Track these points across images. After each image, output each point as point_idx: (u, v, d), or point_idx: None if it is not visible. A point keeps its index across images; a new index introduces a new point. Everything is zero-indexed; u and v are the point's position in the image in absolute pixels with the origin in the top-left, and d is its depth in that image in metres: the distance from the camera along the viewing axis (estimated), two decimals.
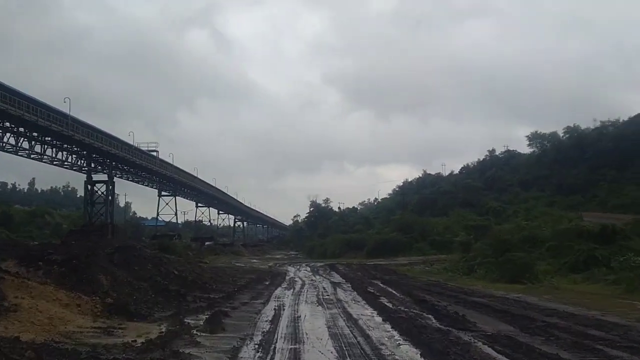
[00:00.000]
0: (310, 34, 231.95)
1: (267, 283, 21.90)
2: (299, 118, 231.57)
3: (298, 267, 38.24)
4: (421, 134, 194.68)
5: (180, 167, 73.79)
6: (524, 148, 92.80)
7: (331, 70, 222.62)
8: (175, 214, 77.35)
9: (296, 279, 25.33)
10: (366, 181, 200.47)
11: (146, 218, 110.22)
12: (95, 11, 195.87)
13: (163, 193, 75.91)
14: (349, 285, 21.37)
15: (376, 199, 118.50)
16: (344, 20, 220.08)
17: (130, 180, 64.12)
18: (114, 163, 53.16)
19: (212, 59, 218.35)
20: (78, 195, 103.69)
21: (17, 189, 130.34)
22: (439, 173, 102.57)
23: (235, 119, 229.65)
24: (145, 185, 70.29)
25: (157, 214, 76.93)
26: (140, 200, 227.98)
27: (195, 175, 79.60)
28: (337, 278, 25.82)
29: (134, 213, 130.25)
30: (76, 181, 59.84)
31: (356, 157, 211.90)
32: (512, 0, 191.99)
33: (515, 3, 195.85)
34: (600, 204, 62.30)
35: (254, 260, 48.82)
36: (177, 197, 79.40)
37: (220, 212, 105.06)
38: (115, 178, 54.72)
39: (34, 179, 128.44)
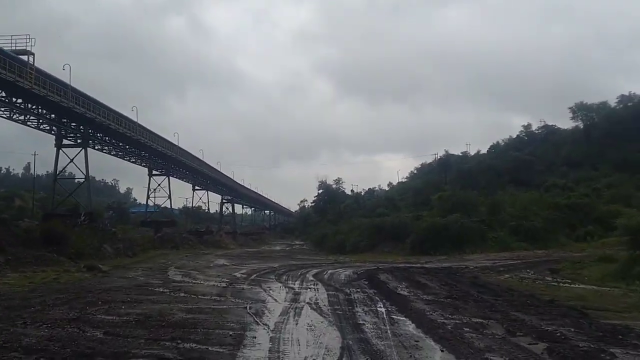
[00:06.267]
0: (294, 23, 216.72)
1: None
2: (291, 106, 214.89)
3: (298, 283, 15.96)
4: (414, 121, 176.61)
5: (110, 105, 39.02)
6: (563, 123, 72.65)
7: (318, 59, 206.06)
8: (87, 177, 38.11)
9: None
10: (365, 168, 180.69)
11: (140, 204, 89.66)
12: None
13: (65, 142, 37.42)
14: None
15: (390, 183, 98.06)
16: (325, 9, 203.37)
17: None
18: None
19: (197, 48, 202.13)
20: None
21: (12, 174, 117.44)
22: (466, 152, 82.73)
23: (225, 107, 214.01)
24: (16, 121, 33.36)
25: (55, 177, 37.99)
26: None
27: (136, 120, 43.24)
28: None
29: (134, 199, 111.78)
30: None
31: (353, 145, 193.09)
32: None
33: None
34: None
35: (222, 262, 26.64)
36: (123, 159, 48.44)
37: (197, 187, 68.86)
38: None
39: (28, 163, 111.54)
